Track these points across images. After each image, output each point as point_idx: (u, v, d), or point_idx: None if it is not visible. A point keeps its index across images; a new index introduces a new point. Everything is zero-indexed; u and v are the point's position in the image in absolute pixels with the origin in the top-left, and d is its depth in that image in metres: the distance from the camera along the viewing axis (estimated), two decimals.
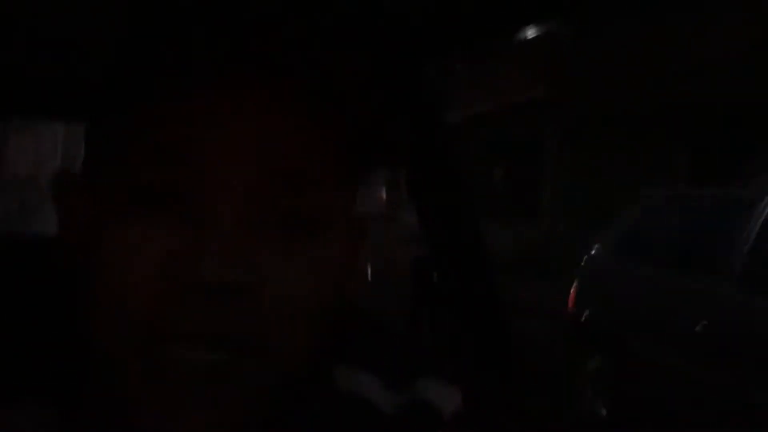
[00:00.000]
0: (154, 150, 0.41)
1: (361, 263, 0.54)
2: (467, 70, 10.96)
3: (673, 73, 7.96)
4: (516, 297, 8.01)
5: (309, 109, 0.42)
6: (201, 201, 0.41)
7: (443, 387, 0.56)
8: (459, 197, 1.19)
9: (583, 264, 5.48)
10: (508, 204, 11.93)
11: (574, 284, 5.32)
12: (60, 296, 0.50)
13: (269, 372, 0.42)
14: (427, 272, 1.20)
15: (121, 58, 0.45)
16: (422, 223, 1.22)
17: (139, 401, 0.42)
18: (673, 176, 8.99)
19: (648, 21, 7.92)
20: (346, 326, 0.50)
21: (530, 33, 9.08)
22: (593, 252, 5.47)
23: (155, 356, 0.40)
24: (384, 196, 11.86)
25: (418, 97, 1.16)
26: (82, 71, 0.88)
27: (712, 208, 4.55)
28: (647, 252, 4.88)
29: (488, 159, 12.65)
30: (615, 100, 9.18)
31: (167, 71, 0.41)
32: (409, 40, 1.07)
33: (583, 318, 5.02)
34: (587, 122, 10.21)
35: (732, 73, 7.20)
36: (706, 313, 3.98)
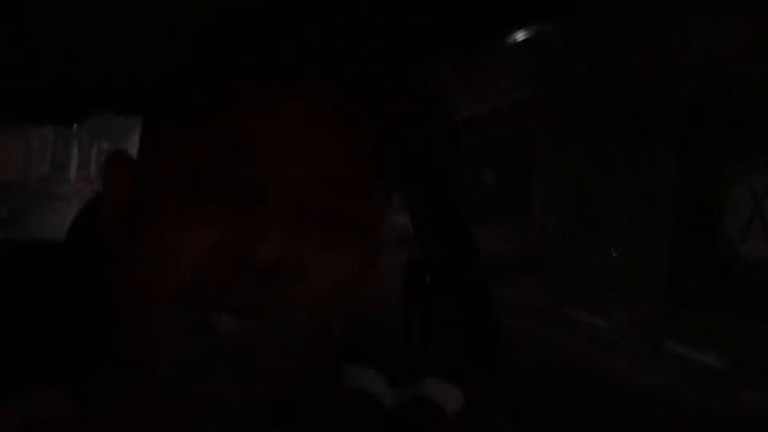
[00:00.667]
0: (215, 141, 0.45)
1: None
2: (456, 71, 10.99)
3: (662, 72, 8.00)
4: (509, 296, 8.06)
5: (361, 122, 0.46)
6: (262, 190, 0.44)
7: (446, 385, 0.58)
8: (449, 200, 1.19)
9: None
10: (497, 205, 11.96)
11: None
12: (69, 289, 0.53)
13: (295, 351, 0.46)
14: (419, 275, 1.20)
15: (190, 57, 0.48)
16: (414, 227, 1.22)
17: (176, 362, 0.44)
18: (663, 175, 9.05)
19: (637, 20, 7.96)
20: (351, 326, 0.51)
21: (519, 34, 9.11)
22: None
23: (193, 322, 0.44)
24: None
25: (405, 101, 1.16)
26: (146, 69, 0.88)
27: None
28: None
29: (478, 160, 12.68)
30: (604, 100, 9.22)
31: (237, 70, 0.45)
32: (397, 43, 1.07)
33: None
34: (577, 122, 10.25)
35: (723, 72, 7.24)
36: None
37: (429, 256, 1.21)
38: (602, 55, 8.86)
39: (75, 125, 1.35)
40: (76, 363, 0.51)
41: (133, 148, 0.56)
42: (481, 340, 1.16)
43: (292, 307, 0.44)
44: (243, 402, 0.45)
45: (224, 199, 0.44)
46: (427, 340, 1.18)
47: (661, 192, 9.10)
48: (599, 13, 6.62)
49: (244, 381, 0.44)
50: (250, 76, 0.45)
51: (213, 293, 0.43)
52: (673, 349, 6.57)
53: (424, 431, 0.55)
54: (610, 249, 9.67)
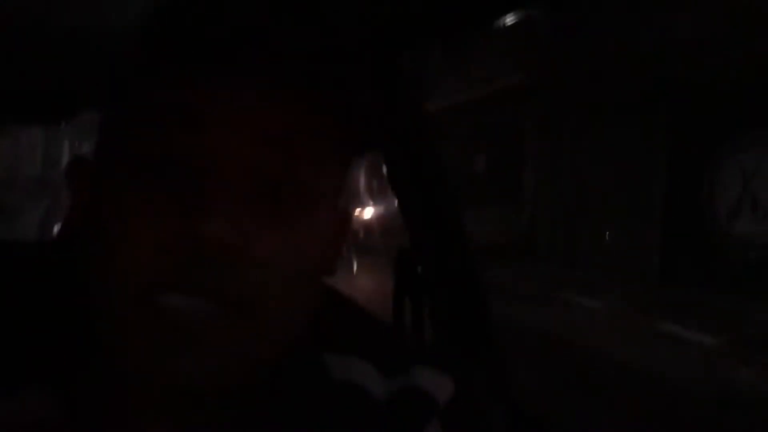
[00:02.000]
0: (159, 125, 0.45)
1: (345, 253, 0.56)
2: (446, 57, 10.95)
3: (649, 54, 8.00)
4: (503, 281, 8.08)
5: (300, 89, 0.46)
6: (202, 170, 0.45)
7: (437, 374, 0.57)
8: (440, 188, 1.20)
9: None
10: (490, 191, 11.96)
11: None
12: (55, 290, 0.53)
13: (258, 330, 0.46)
14: (409, 264, 1.21)
15: (134, 53, 0.49)
16: (404, 214, 1.23)
17: (136, 347, 0.45)
18: (653, 157, 9.06)
19: (623, 2, 7.95)
20: (339, 314, 0.51)
21: (508, 20, 9.08)
22: None
23: (152, 305, 0.44)
24: (364, 185, 11.85)
25: (396, 85, 1.16)
26: (94, 66, 0.89)
27: None
28: None
29: (469, 147, 12.66)
30: (592, 84, 9.22)
31: (176, 62, 0.45)
32: (386, 27, 1.07)
33: None
34: (566, 108, 10.25)
35: (709, 52, 7.24)
36: None
37: (419, 244, 1.21)
38: (590, 38, 8.85)
39: (63, 124, 1.35)
40: (62, 363, 0.51)
41: None
42: (471, 329, 1.17)
43: (249, 284, 0.44)
44: (212, 385, 0.45)
45: (172, 183, 0.45)
46: (418, 329, 1.19)
47: (651, 174, 9.11)
48: None
49: (207, 362, 0.44)
50: (189, 58, 0.45)
51: (165, 276, 0.44)
52: (666, 328, 6.61)
53: (415, 422, 0.54)
54: (603, 232, 9.69)
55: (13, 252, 0.64)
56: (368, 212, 11.22)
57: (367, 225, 10.21)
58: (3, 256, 0.61)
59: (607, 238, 9.65)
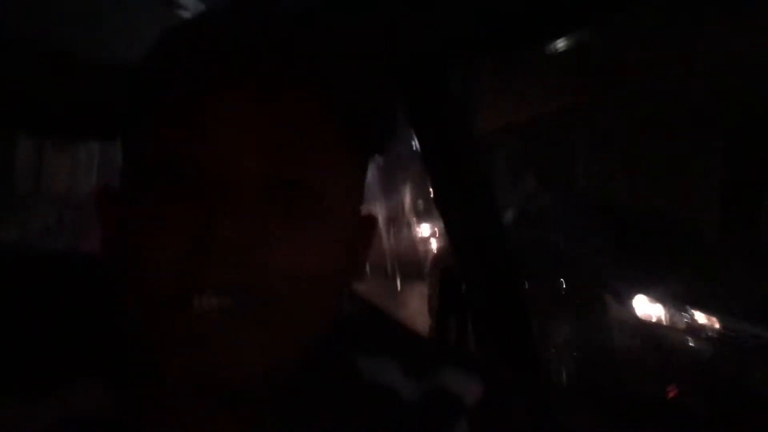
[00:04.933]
0: (170, 133, 0.47)
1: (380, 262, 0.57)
2: (496, 78, 10.93)
3: (705, 77, 7.85)
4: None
5: (312, 93, 0.47)
6: (216, 176, 0.46)
7: (465, 376, 0.57)
8: (487, 208, 1.19)
9: None
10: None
11: None
12: (101, 292, 0.55)
13: (273, 324, 0.47)
14: (454, 282, 1.20)
15: (145, 65, 0.50)
16: (450, 234, 1.22)
17: (171, 349, 0.46)
18: (708, 181, 8.86)
19: (678, 25, 7.83)
20: (367, 319, 0.52)
21: (560, 41, 9.03)
22: None
23: (184, 308, 0.45)
24: (409, 204, 11.85)
25: (444, 105, 1.16)
26: (120, 93, 0.91)
27: None
28: None
29: (519, 167, 12.57)
30: (646, 106, 9.08)
31: (184, 68, 0.47)
32: (436, 47, 1.08)
33: None
34: (619, 129, 10.11)
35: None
36: None
37: (463, 263, 1.21)
38: (644, 60, 8.73)
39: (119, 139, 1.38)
40: (113, 358, 0.53)
41: None
42: (515, 348, 1.16)
43: (268, 281, 0.46)
44: (244, 381, 0.46)
45: (191, 191, 0.46)
46: (462, 346, 1.18)
47: (706, 197, 8.91)
48: (639, 18, 6.54)
49: (235, 359, 0.46)
50: (199, 69, 0.47)
51: (189, 277, 0.45)
52: None
53: (442, 423, 0.55)
54: None
55: (67, 261, 0.67)
56: (415, 231, 11.21)
57: (413, 244, 10.19)
58: (65, 267, 0.64)
59: None
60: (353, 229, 0.52)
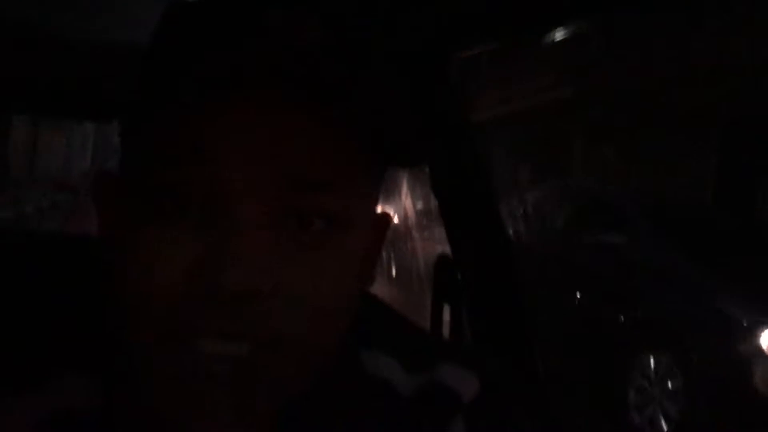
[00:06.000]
0: (176, 154, 0.43)
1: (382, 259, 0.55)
2: (493, 69, 10.92)
3: (701, 73, 7.86)
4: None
5: (327, 113, 0.43)
6: (222, 207, 0.42)
7: (462, 371, 0.57)
8: (483, 197, 1.19)
9: None
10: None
11: None
12: (91, 280, 0.52)
13: (288, 365, 0.44)
14: (449, 271, 1.20)
15: (151, 67, 0.46)
16: (446, 222, 1.22)
17: (165, 393, 0.43)
18: (702, 175, 8.88)
19: (676, 21, 7.83)
20: (365, 311, 0.51)
21: (557, 33, 9.02)
22: None
23: (179, 351, 0.42)
24: (407, 193, 11.85)
25: (441, 95, 1.16)
26: (116, 75, 0.90)
27: None
28: None
29: (515, 157, 12.58)
30: (641, 99, 9.09)
31: (192, 82, 0.42)
32: (434, 39, 1.08)
33: None
34: (614, 123, 10.12)
35: (763, 72, 7.08)
36: None
37: (459, 250, 1.20)
38: (640, 54, 8.73)
39: (115, 121, 1.38)
40: (102, 351, 0.51)
41: None
42: (511, 336, 1.16)
43: (282, 322, 0.43)
44: (246, 423, 0.44)
45: (195, 220, 0.43)
46: (457, 335, 1.18)
47: (699, 192, 8.93)
48: (638, 12, 6.54)
49: (245, 404, 0.43)
50: (204, 87, 0.42)
51: (198, 320, 0.42)
52: None
53: (439, 418, 0.54)
54: None
55: (56, 244, 0.65)
56: (409, 216, 11.22)
57: (407, 229, 10.20)
58: (50, 250, 0.62)
59: None
60: (368, 237, 0.49)
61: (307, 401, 0.49)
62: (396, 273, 8.85)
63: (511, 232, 5.96)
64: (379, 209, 0.52)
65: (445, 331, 1.20)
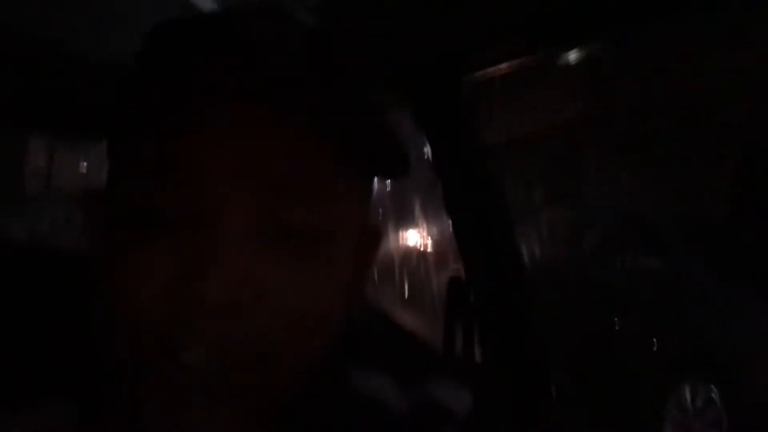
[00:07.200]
0: (158, 169, 0.43)
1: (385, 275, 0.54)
2: (504, 91, 10.94)
3: (715, 94, 7.84)
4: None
5: (307, 126, 0.43)
6: (203, 221, 0.43)
7: (455, 388, 0.56)
8: (497, 216, 1.19)
9: None
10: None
11: None
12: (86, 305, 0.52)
13: (273, 377, 0.44)
14: (462, 292, 1.20)
15: (133, 84, 0.47)
16: (459, 243, 1.22)
17: (150, 406, 0.44)
18: (715, 198, 8.82)
19: (690, 41, 7.82)
20: (358, 328, 0.50)
21: (570, 53, 9.03)
22: None
23: (165, 364, 0.42)
24: (418, 209, 11.85)
25: (455, 116, 1.16)
26: (103, 91, 0.91)
27: None
28: None
29: (527, 179, 12.56)
30: (655, 122, 9.07)
31: (171, 96, 0.43)
32: (446, 60, 1.08)
33: None
34: (627, 143, 10.10)
35: None
36: None
37: (472, 272, 1.20)
38: (654, 75, 8.72)
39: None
40: (85, 371, 0.50)
41: None
42: (523, 359, 1.15)
43: (263, 331, 0.43)
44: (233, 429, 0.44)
45: (177, 236, 0.43)
46: (468, 357, 1.17)
47: (712, 215, 8.87)
48: (650, 33, 6.54)
49: (229, 417, 0.43)
50: (182, 99, 0.42)
51: (181, 332, 0.42)
52: None
53: None
54: None
55: (48, 260, 0.63)
56: (421, 237, 11.21)
57: (420, 250, 10.18)
58: (35, 264, 0.60)
59: None
60: (359, 249, 0.49)
61: (297, 422, 0.49)
62: (408, 294, 8.83)
63: (529, 253, 5.79)
64: (391, 229, 0.51)
65: (458, 351, 1.19)
